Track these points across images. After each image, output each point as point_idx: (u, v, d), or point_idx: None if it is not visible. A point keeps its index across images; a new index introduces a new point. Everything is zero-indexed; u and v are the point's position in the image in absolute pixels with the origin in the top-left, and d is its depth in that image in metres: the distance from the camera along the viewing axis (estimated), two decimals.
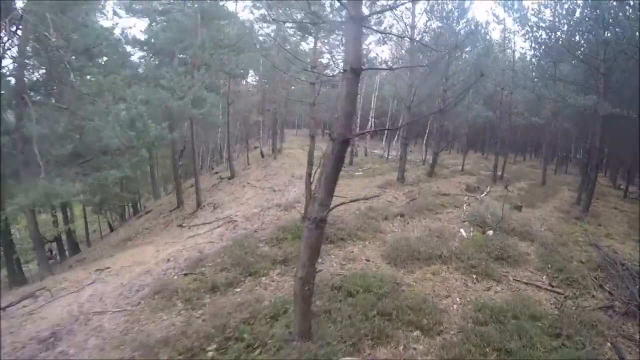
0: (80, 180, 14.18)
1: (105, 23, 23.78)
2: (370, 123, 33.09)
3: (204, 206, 20.89)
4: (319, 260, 7.14)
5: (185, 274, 8.93)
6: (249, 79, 37.53)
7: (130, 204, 36.74)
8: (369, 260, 9.51)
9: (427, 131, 34.24)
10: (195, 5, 22.57)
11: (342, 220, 12.10)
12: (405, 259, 9.39)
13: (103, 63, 17.67)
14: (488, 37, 26.27)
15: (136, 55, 27.33)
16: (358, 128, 31.38)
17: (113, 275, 10.78)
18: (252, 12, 29.53)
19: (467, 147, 34.78)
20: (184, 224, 17.96)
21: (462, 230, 12.18)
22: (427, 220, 13.27)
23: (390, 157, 32.90)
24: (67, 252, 26.21)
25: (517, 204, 15.69)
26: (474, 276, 8.88)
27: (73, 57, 14.87)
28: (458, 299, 7.85)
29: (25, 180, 13.56)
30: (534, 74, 23.41)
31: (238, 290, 7.98)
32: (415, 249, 9.71)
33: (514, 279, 9.00)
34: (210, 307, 7.24)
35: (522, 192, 19.97)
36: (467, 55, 25.19)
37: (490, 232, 11.81)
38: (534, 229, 12.58)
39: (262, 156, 32.04)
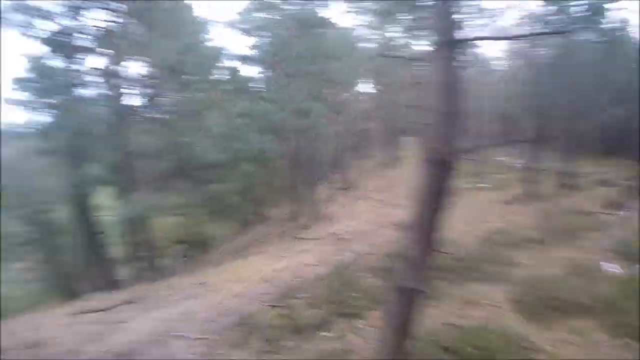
0: (183, 194, 14.82)
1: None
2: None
3: (317, 218, 20.44)
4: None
5: (273, 306, 7.93)
6: (360, 87, 36.21)
7: (253, 211, 37.58)
8: (492, 306, 7.55)
9: (558, 137, 29.74)
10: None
11: (463, 245, 10.29)
12: (540, 307, 7.25)
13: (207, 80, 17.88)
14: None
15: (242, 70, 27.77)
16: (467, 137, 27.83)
17: (211, 291, 10.58)
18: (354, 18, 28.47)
19: (606, 152, 29.70)
20: (297, 236, 17.72)
21: (608, 265, 9.45)
22: (565, 248, 10.72)
23: (518, 165, 28.95)
24: (194, 254, 27.54)
25: None
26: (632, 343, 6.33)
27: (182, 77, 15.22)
28: None
29: (129, 193, 14.46)
30: None
31: (327, 335, 6.69)
32: (554, 293, 7.49)
33: None
34: (289, 354, 6.19)
35: None
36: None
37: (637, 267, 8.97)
38: None
39: (379, 166, 30.87)
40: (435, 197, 3.31)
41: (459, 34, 3.39)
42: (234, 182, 16.55)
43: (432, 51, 3.48)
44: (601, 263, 9.53)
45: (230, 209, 28.45)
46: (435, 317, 6.85)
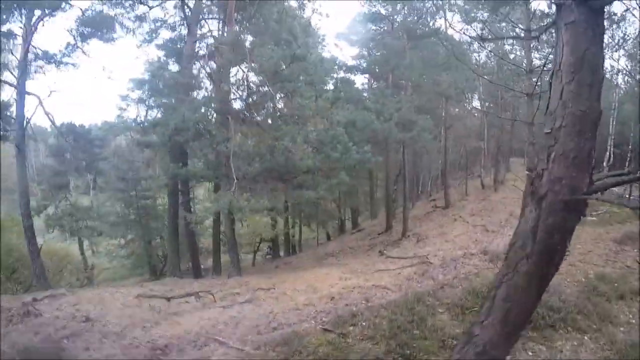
0: (274, 197, 15.09)
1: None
2: (608, 154, 26.26)
3: (409, 235, 19.85)
4: None
5: (325, 330, 7.23)
6: (472, 102, 34.20)
7: (349, 219, 38.10)
8: None
9: None
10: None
11: (558, 292, 8.83)
12: None
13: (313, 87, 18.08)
14: None
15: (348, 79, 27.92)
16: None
17: (272, 298, 10.59)
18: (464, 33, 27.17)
19: None
20: (384, 251, 17.44)
21: None
22: None
23: (633, 197, 25.28)
24: (281, 253, 29.88)
25: None
26: None
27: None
28: None
29: (221, 190, 15.62)
30: None
31: None
32: None
33: None
34: None
35: None
36: None
37: None
38: None
39: (482, 187, 28.99)
40: (545, 261, 2.23)
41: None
42: (329, 190, 16.37)
43: (559, 16, 2.28)
44: None
45: (324, 215, 29.19)
46: None
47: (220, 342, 7.01)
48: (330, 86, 23.35)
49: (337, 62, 26.18)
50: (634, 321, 8.08)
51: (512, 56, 23.11)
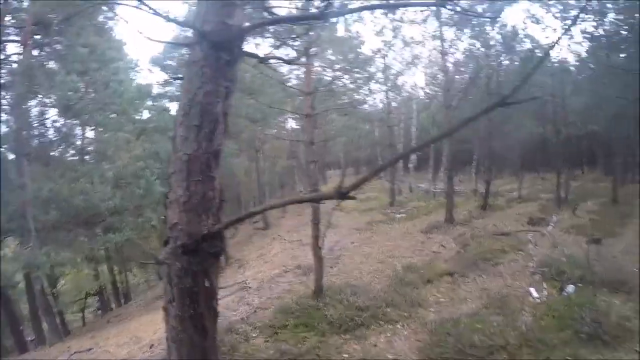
0: (78, 246, 13.62)
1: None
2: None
3: (231, 263, 19.23)
4: None
5: None
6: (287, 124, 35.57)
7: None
8: None
9: (474, 157, 30.34)
10: None
11: (367, 289, 9.43)
12: (451, 357, 6.36)
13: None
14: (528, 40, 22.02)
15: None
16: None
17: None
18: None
19: (522, 170, 30.34)
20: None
21: (532, 290, 8.70)
22: (484, 277, 9.99)
23: (437, 191, 28.68)
24: (111, 306, 26.25)
25: (594, 237, 11.72)
26: None
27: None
28: None
29: (21, 247, 13.65)
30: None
31: None
32: (468, 339, 6.62)
33: None
34: None
35: (594, 217, 15.85)
36: (507, 62, 21.56)
37: (571, 288, 8.42)
38: (626, 274, 8.78)
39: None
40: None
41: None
42: (137, 229, 15.18)
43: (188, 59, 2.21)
44: (529, 289, 8.87)
45: (143, 257, 27.08)
46: None
47: None
48: (147, 114, 22.03)
49: (151, 88, 24.65)
50: (442, 300, 9.01)
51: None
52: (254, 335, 7.98)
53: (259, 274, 13.76)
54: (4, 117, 15.06)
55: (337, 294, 9.14)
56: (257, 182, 28.97)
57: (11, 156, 14.59)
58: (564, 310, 7.28)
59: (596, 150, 33.75)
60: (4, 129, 14.80)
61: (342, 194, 0.94)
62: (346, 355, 6.88)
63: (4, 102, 15.14)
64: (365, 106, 30.66)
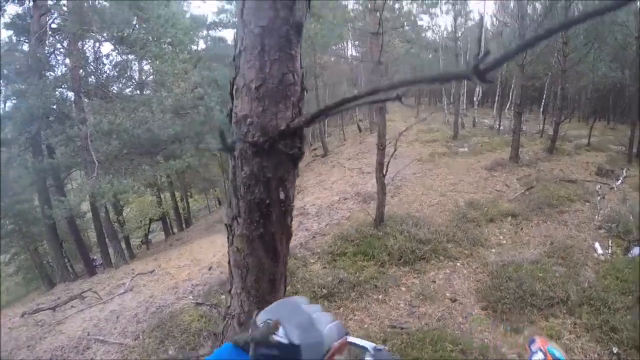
0: (140, 174, 13.99)
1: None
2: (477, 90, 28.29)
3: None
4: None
5: (198, 304, 6.86)
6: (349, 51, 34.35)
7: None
8: (455, 301, 6.41)
9: (544, 96, 28.28)
10: None
11: (429, 222, 9.13)
12: (511, 303, 6.09)
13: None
14: None
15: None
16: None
17: (153, 281, 9.86)
18: None
19: (594, 116, 28.13)
20: None
21: (597, 245, 8.22)
22: (548, 223, 9.50)
23: (502, 128, 26.93)
24: (173, 230, 27.60)
25: None
26: (616, 350, 5.26)
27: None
28: None
29: (85, 177, 14.16)
30: None
31: None
32: (529, 286, 6.30)
33: None
34: None
35: None
36: None
37: (637, 250, 7.86)
38: None
39: (360, 130, 29.59)
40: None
41: None
42: (198, 156, 15.37)
43: None
44: (594, 244, 8.43)
45: (204, 183, 27.78)
46: (382, 317, 5.87)
47: (102, 341, 6.56)
48: (202, 45, 21.89)
49: (206, 19, 24.53)
50: (504, 242, 8.65)
51: None
52: (312, 261, 8.04)
53: (318, 200, 13.69)
54: (60, 58, 15.46)
55: (399, 224, 8.95)
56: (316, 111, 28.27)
57: (70, 95, 15.07)
58: (628, 272, 6.86)
59: None
60: (63, 69, 15.18)
61: (480, 73, 0.67)
62: (404, 289, 6.76)
63: (58, 45, 15.46)
64: (429, 33, 29.19)
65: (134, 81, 16.70)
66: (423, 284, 6.84)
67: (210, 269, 8.96)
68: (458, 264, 7.63)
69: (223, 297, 6.81)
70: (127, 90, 16.97)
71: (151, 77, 16.04)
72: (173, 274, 9.95)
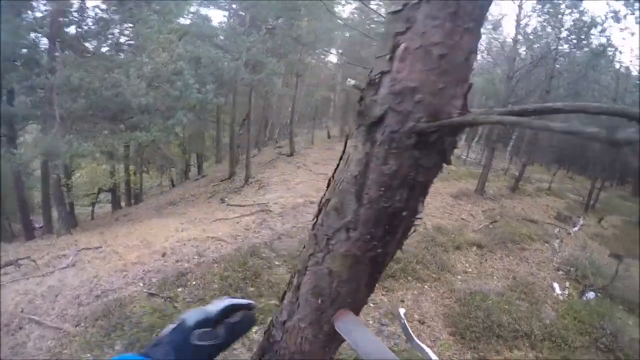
0: (103, 139, 13.15)
1: None
2: None
3: (251, 182, 18.83)
4: None
5: (151, 294, 6.24)
6: (329, 54, 34.05)
7: (194, 164, 35.66)
8: (423, 323, 6.34)
9: (513, 136, 29.35)
10: None
11: None
12: (479, 332, 6.17)
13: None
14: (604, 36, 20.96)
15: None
16: None
17: (99, 258, 9.01)
18: None
19: (558, 164, 29.44)
20: (225, 199, 16.32)
21: (556, 285, 8.85)
22: (510, 258, 9.92)
23: (468, 159, 28.00)
24: (120, 204, 26.57)
25: (618, 253, 11.92)
26: None
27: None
28: None
29: (42, 132, 13.02)
30: None
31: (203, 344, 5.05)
32: (497, 318, 6.47)
33: None
34: None
35: (618, 233, 15.99)
36: (578, 53, 20.38)
37: (591, 295, 8.59)
38: None
39: (329, 137, 29.48)
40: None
41: None
42: (165, 131, 14.53)
43: None
44: (553, 284, 8.85)
45: (163, 161, 26.76)
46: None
47: (37, 322, 5.78)
48: (188, 20, 21.11)
49: None
50: (470, 270, 8.75)
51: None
52: (277, 263, 7.70)
53: (281, 199, 13.38)
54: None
55: None
56: (290, 109, 27.50)
57: (45, 41, 13.99)
58: (585, 315, 7.41)
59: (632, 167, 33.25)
60: (41, 13, 14.12)
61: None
62: (372, 305, 6.56)
63: None
64: None
65: (114, 41, 15.66)
66: (392, 303, 6.69)
67: (164, 255, 8.26)
68: (426, 286, 7.56)
69: (179, 289, 6.30)
70: (105, 49, 15.93)
71: (133, 41, 15.07)
72: (121, 253, 9.14)
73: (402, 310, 1.32)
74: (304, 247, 1.33)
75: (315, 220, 1.23)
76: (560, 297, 8.28)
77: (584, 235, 13.68)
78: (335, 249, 1.13)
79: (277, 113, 34.62)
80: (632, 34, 18.05)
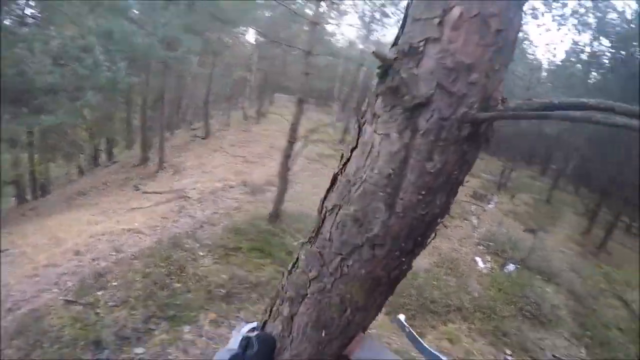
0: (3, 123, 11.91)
1: None
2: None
3: (165, 167, 18.20)
4: None
5: (68, 301, 5.55)
6: (248, 33, 33.04)
7: (103, 150, 32.97)
8: None
9: None
10: None
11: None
12: (415, 310, 6.44)
13: None
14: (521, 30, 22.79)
15: None
16: None
17: (6, 263, 7.77)
18: None
19: None
20: (139, 186, 15.75)
21: (478, 260, 9.70)
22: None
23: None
24: (26, 197, 24.27)
25: (531, 227, 13.48)
26: (508, 351, 6.36)
27: None
28: None
29: None
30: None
31: (139, 352, 4.57)
32: (428, 294, 6.79)
33: (553, 356, 6.65)
34: None
35: (529, 209, 17.58)
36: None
37: (511, 267, 9.55)
38: (556, 267, 10.21)
39: (245, 118, 28.88)
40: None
41: None
42: (73, 114, 13.33)
43: None
44: (475, 258, 9.38)
45: (69, 147, 24.75)
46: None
47: None
48: None
49: None
50: None
51: None
52: (201, 254, 7.31)
53: (198, 184, 12.96)
54: None
55: (295, 221, 8.95)
56: (205, 89, 26.29)
57: None
58: (509, 286, 8.24)
59: (540, 150, 35.80)
60: None
61: None
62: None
63: None
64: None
65: (18, 12, 14.18)
66: None
67: (77, 253, 7.52)
68: None
69: (100, 293, 5.72)
70: (8, 21, 14.36)
71: (37, 11, 13.94)
72: (30, 255, 8.18)
73: (402, 317, 1.34)
74: (294, 266, 1.13)
75: (315, 232, 1.03)
76: (484, 271, 9.05)
77: (499, 211, 14.60)
78: (351, 272, 0.94)
79: (192, 93, 33.18)
80: (548, 30, 19.57)
